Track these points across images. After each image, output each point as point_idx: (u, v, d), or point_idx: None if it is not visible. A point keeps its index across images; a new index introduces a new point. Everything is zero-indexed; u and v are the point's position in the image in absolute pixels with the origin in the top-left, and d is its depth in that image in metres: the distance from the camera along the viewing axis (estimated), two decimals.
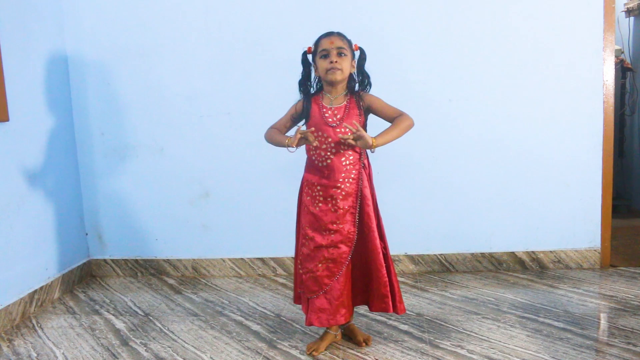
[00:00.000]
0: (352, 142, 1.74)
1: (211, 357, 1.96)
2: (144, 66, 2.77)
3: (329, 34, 1.82)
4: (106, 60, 2.79)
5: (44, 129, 2.59)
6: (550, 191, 2.73)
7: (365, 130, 1.87)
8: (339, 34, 1.83)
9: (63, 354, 2.03)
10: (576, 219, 2.74)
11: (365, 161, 1.90)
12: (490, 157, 2.72)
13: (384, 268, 1.88)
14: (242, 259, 2.87)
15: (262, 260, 2.86)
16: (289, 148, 1.80)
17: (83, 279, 2.86)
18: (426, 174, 2.76)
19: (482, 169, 2.73)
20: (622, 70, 3.70)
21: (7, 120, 2.29)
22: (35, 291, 2.45)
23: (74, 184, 2.83)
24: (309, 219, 1.88)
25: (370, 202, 1.88)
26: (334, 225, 1.85)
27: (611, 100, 2.67)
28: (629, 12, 3.84)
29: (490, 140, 2.71)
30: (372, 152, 1.80)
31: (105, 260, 2.93)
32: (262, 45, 2.72)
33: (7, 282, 2.29)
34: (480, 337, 2.04)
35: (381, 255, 1.87)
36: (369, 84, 1.92)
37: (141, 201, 2.87)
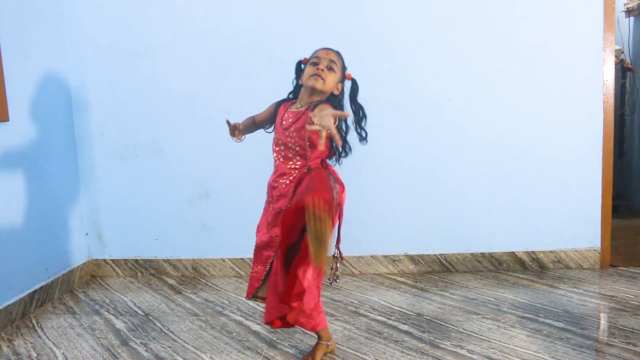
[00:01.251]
0: (316, 125, 1.52)
1: (211, 357, 1.96)
2: (144, 66, 2.77)
3: (327, 48, 1.81)
4: (106, 60, 2.79)
5: (44, 129, 2.58)
6: (550, 191, 2.73)
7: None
8: (337, 52, 1.82)
9: (63, 354, 2.03)
10: (576, 219, 2.74)
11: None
12: (490, 157, 2.72)
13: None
14: (242, 259, 2.87)
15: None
16: (233, 139, 1.89)
17: (83, 279, 2.86)
18: (426, 173, 2.76)
19: (482, 169, 2.73)
20: (622, 70, 3.70)
21: (7, 120, 2.29)
22: (35, 291, 2.45)
23: (74, 183, 2.83)
24: (260, 220, 1.90)
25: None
26: (270, 227, 1.82)
27: (611, 100, 2.67)
28: (629, 12, 3.84)
29: (490, 140, 2.71)
30: (338, 163, 1.82)
31: (105, 260, 2.93)
32: (262, 45, 2.72)
33: (7, 282, 2.29)
34: (480, 337, 2.04)
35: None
36: (364, 115, 1.83)
37: (141, 201, 2.87)
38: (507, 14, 2.63)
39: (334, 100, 1.80)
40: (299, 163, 1.78)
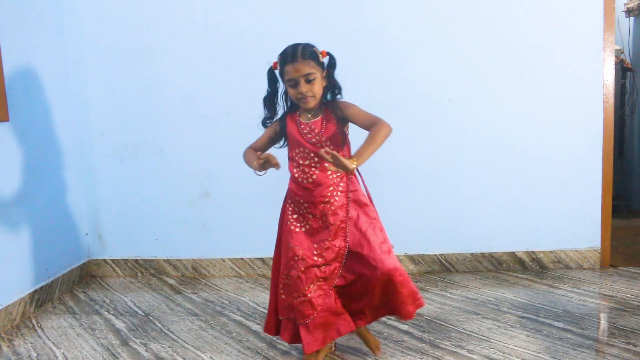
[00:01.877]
0: (333, 168, 1.62)
1: (211, 357, 1.96)
2: (144, 66, 2.77)
3: (294, 59, 1.69)
4: (106, 60, 2.79)
5: (44, 129, 2.59)
6: (550, 191, 2.73)
7: (346, 138, 1.81)
8: (303, 56, 1.69)
9: (63, 354, 2.03)
10: (576, 219, 2.74)
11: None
12: (490, 157, 2.72)
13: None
14: (242, 259, 2.87)
15: (262, 260, 2.86)
16: (256, 172, 1.73)
17: (83, 279, 2.86)
18: (426, 173, 2.76)
19: (482, 169, 2.73)
20: (622, 70, 3.70)
21: (7, 120, 2.29)
22: (35, 291, 2.45)
23: (74, 183, 2.83)
24: (298, 239, 1.78)
25: (362, 214, 1.80)
26: (327, 243, 1.76)
27: (611, 100, 2.67)
28: (629, 12, 3.84)
29: (490, 140, 2.71)
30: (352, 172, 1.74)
31: (105, 260, 2.93)
32: (262, 45, 2.70)
33: (7, 282, 2.30)
34: (480, 337, 2.04)
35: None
36: (339, 92, 1.80)
37: (141, 201, 2.87)
38: (507, 14, 2.63)
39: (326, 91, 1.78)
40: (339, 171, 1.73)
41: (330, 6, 2.66)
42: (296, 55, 1.69)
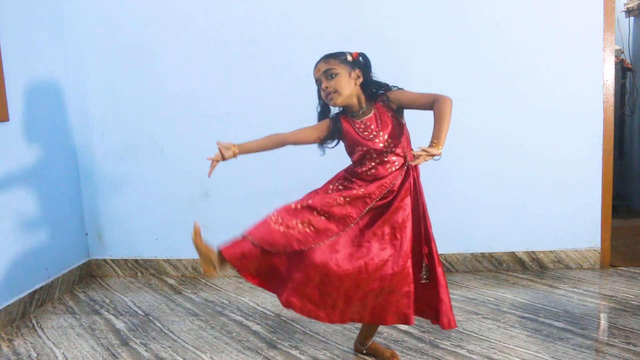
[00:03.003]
0: (422, 161, 1.63)
1: (211, 357, 1.96)
2: (144, 66, 2.77)
3: (317, 63, 1.75)
4: (106, 60, 2.79)
5: (44, 129, 2.59)
6: (550, 191, 2.73)
7: (404, 127, 1.81)
8: (325, 57, 1.75)
9: (63, 353, 2.03)
10: (576, 219, 2.74)
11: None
12: (490, 157, 2.72)
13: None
14: None
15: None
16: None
17: (83, 279, 2.86)
18: (426, 173, 2.75)
19: (482, 169, 2.73)
20: (622, 70, 3.70)
21: (7, 120, 2.29)
22: (35, 291, 2.45)
23: (74, 184, 2.83)
24: (317, 191, 1.79)
25: (417, 205, 1.81)
26: (340, 199, 1.74)
27: (611, 100, 2.67)
28: (629, 12, 3.84)
29: (490, 140, 2.71)
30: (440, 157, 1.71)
31: (105, 260, 2.93)
32: (263, 45, 2.72)
33: (7, 282, 2.30)
34: (480, 337, 2.04)
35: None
36: (388, 88, 1.80)
37: (141, 201, 2.87)
38: (507, 14, 2.63)
39: (369, 88, 1.78)
40: (396, 163, 1.76)
41: (331, 6, 2.66)
42: (319, 60, 1.76)
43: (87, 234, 2.92)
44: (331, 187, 1.80)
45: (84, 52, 2.79)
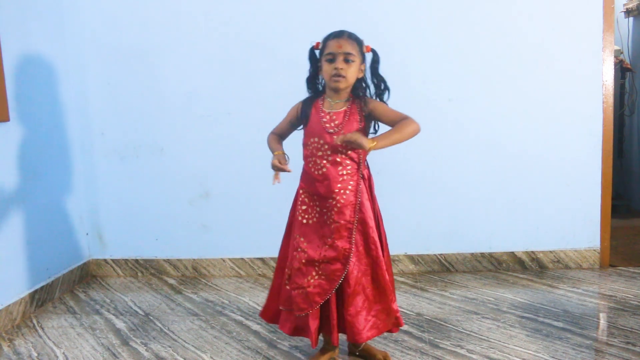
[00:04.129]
0: (342, 141, 1.61)
1: (211, 357, 1.96)
2: (144, 66, 2.77)
3: (339, 35, 1.68)
4: (106, 60, 2.79)
5: (44, 129, 2.59)
6: (550, 191, 2.73)
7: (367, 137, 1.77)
8: (350, 36, 1.69)
9: (63, 353, 2.03)
10: (576, 219, 2.75)
11: (365, 172, 1.78)
12: (490, 157, 2.73)
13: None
14: (242, 259, 2.87)
15: (262, 260, 2.86)
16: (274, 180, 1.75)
17: (83, 279, 2.86)
18: (426, 173, 2.77)
19: (482, 169, 2.73)
20: (622, 70, 3.71)
21: (7, 120, 2.29)
22: (35, 291, 2.45)
23: (74, 183, 2.83)
24: (304, 231, 1.76)
25: (371, 215, 1.76)
26: (329, 240, 1.72)
27: (610, 100, 2.68)
28: (628, 12, 3.84)
29: (490, 140, 2.72)
30: (367, 153, 1.71)
31: (105, 260, 2.94)
32: (263, 45, 2.72)
33: (7, 281, 2.30)
34: (480, 337, 2.04)
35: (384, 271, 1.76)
36: (387, 88, 1.78)
37: (141, 201, 2.87)
38: (506, 13, 2.64)
39: (359, 87, 1.76)
40: (349, 167, 1.72)
41: (330, 6, 2.66)
42: (343, 33, 1.69)
43: (87, 234, 2.93)
44: (299, 209, 1.79)
45: (84, 52, 2.79)
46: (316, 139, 1.72)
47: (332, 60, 1.67)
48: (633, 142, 3.97)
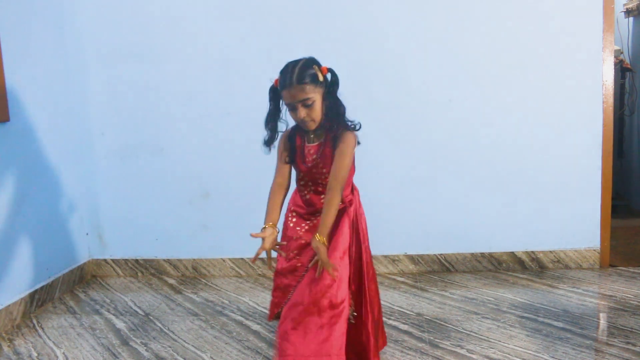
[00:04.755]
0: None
1: (211, 357, 1.97)
2: (144, 66, 2.77)
3: (288, 85, 1.58)
4: (106, 60, 2.79)
5: (44, 129, 2.59)
6: (550, 191, 2.73)
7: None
8: (299, 81, 1.56)
9: (63, 353, 2.03)
10: (576, 219, 2.75)
11: (347, 199, 1.72)
12: (490, 157, 2.73)
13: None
14: (242, 259, 2.87)
15: (262, 260, 2.85)
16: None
17: (83, 279, 2.86)
18: (426, 173, 2.77)
19: (482, 169, 2.73)
20: (622, 70, 3.71)
21: (7, 120, 2.29)
22: (35, 291, 2.46)
23: (74, 184, 2.83)
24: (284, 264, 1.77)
25: (345, 242, 1.69)
26: (293, 254, 1.73)
27: (610, 100, 2.68)
28: (628, 12, 3.84)
29: (490, 140, 2.72)
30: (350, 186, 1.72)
31: (105, 260, 2.94)
32: (262, 46, 2.72)
33: (7, 281, 2.30)
34: (480, 337, 2.04)
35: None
36: (343, 113, 1.66)
37: (141, 201, 2.87)
38: (506, 14, 2.64)
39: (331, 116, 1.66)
40: None
41: (330, 7, 2.66)
42: (292, 80, 1.57)
43: (87, 234, 2.93)
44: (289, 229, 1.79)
45: (84, 52, 2.79)
46: (300, 173, 1.73)
47: (293, 109, 1.62)
48: (633, 142, 3.97)
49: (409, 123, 2.72)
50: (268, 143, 1.74)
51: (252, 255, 2.94)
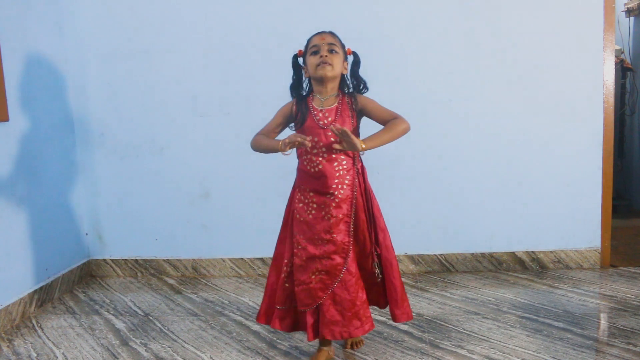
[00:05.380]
0: (338, 147, 1.67)
1: (211, 357, 1.96)
2: (144, 66, 2.77)
3: (320, 32, 1.77)
4: (106, 60, 2.79)
5: (44, 129, 2.59)
6: (551, 191, 2.73)
7: (358, 134, 1.80)
8: (331, 32, 1.78)
9: (63, 354, 2.03)
10: (576, 219, 2.74)
11: (359, 165, 1.80)
12: (490, 157, 2.72)
13: (376, 277, 1.83)
14: (242, 259, 2.87)
15: (262, 260, 2.86)
16: (284, 153, 1.71)
17: (83, 279, 2.86)
18: (426, 173, 2.76)
19: (482, 169, 2.73)
20: (622, 70, 3.70)
21: (7, 120, 2.29)
22: (35, 291, 2.45)
23: (74, 184, 2.83)
24: (302, 228, 1.77)
25: (364, 209, 1.79)
26: (327, 235, 1.74)
27: (611, 100, 2.67)
28: (629, 12, 3.84)
29: (490, 140, 2.71)
30: (362, 154, 1.76)
31: (105, 260, 2.93)
32: (262, 46, 2.72)
33: (7, 282, 2.30)
34: (480, 337, 2.04)
35: (372, 263, 1.80)
36: (365, 87, 1.83)
37: (141, 201, 2.87)
38: (507, 14, 2.63)
39: (345, 84, 1.82)
40: (344, 163, 1.75)
41: (330, 7, 2.66)
42: (324, 30, 1.76)
43: (87, 234, 2.93)
44: (296, 206, 1.81)
45: (84, 52, 2.79)
46: (310, 137, 1.72)
47: (316, 52, 1.73)
48: (634, 142, 3.96)
49: (409, 122, 2.71)
50: (293, 89, 1.85)
51: (252, 255, 2.97)
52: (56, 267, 2.65)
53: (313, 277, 1.75)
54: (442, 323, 2.17)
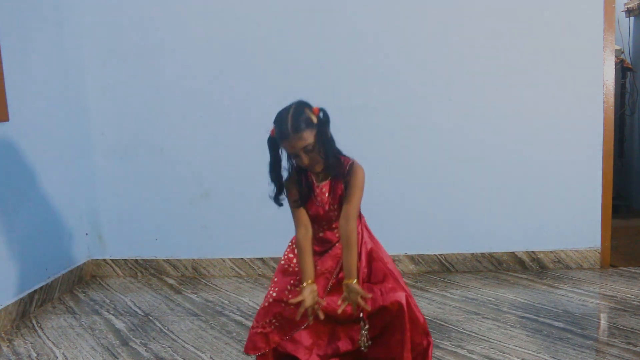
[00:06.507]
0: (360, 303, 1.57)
1: (211, 357, 1.96)
2: (144, 66, 2.77)
3: (285, 136, 1.54)
4: (106, 60, 2.79)
5: (44, 129, 2.59)
6: (550, 191, 2.73)
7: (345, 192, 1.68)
8: (295, 130, 1.52)
9: (63, 354, 2.03)
10: (576, 219, 2.74)
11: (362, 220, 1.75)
12: (490, 157, 2.72)
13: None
14: (242, 259, 2.87)
15: (262, 260, 2.86)
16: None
17: (83, 279, 2.86)
18: (426, 173, 2.76)
19: (482, 169, 2.73)
20: (622, 70, 3.70)
21: (7, 120, 2.29)
22: (35, 291, 2.45)
23: (74, 183, 2.83)
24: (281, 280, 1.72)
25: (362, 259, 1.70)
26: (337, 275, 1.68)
27: (611, 100, 2.67)
28: (629, 12, 3.83)
29: (490, 140, 2.71)
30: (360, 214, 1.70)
31: (105, 260, 2.93)
32: (262, 46, 2.72)
33: (7, 282, 2.30)
34: (480, 337, 2.04)
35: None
36: (335, 153, 1.63)
37: (141, 201, 2.87)
38: (507, 13, 2.63)
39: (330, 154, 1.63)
40: None
41: (330, 8, 2.66)
42: (288, 131, 1.53)
43: (87, 234, 2.92)
44: (292, 264, 1.75)
45: (84, 52, 2.79)
46: (312, 214, 1.68)
47: (297, 157, 1.59)
48: (634, 142, 3.96)
49: (409, 123, 2.72)
50: (277, 197, 1.70)
51: (252, 255, 2.97)
52: (56, 267, 2.65)
53: (274, 320, 1.66)
54: (442, 323, 2.17)
